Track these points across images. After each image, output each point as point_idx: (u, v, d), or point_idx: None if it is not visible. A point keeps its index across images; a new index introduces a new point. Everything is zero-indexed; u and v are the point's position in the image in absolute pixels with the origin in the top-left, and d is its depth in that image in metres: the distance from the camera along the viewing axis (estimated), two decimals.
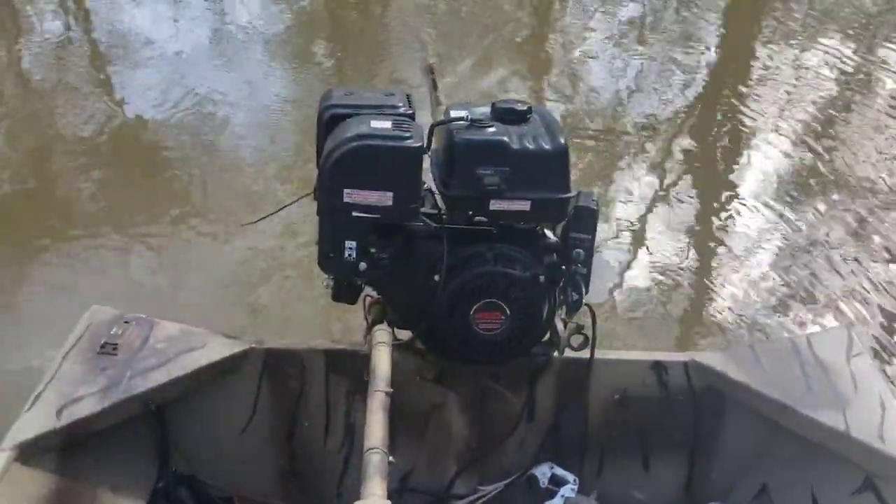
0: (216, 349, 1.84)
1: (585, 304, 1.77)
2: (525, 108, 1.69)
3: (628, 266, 3.53)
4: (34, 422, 1.61)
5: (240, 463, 1.91)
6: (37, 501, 1.55)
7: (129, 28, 5.42)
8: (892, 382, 2.20)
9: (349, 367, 1.85)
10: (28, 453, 1.57)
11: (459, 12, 5.91)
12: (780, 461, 1.84)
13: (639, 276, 3.46)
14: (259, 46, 5.30)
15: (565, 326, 1.82)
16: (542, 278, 1.70)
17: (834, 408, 1.74)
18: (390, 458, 1.36)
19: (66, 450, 1.63)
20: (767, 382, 1.82)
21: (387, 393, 1.48)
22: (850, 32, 5.85)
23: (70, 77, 4.79)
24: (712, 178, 4.27)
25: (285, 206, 1.80)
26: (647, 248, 3.68)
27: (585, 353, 1.84)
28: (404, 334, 1.86)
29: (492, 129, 1.64)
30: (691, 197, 4.09)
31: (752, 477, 1.88)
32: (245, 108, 4.55)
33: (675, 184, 4.18)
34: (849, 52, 5.53)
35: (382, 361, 1.57)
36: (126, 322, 1.86)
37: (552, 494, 1.89)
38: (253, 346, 1.87)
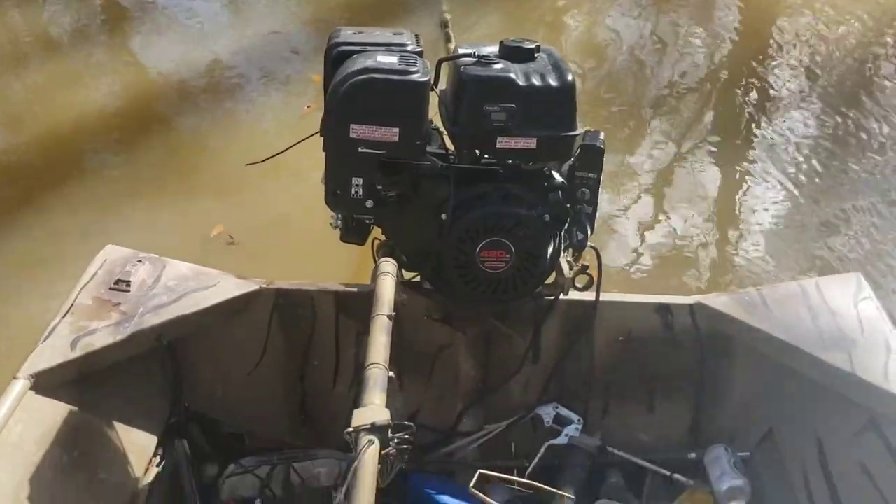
0: (227, 289, 1.87)
1: (591, 246, 1.77)
2: (533, 45, 1.69)
3: None
4: (49, 353, 1.65)
5: (251, 401, 1.94)
6: (51, 430, 1.59)
7: None
8: None
9: (358, 308, 1.86)
10: (43, 383, 1.61)
11: None
12: (786, 404, 1.85)
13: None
14: None
15: (571, 268, 1.83)
16: (547, 217, 1.71)
17: (840, 349, 1.74)
18: (391, 374, 1.37)
19: (80, 382, 1.67)
20: (774, 324, 1.82)
21: (389, 316, 1.49)
22: None
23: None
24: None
25: (294, 145, 1.80)
26: None
27: (591, 295, 1.85)
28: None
29: (499, 66, 1.64)
30: None
31: (757, 420, 1.89)
32: None
33: None
34: None
35: (386, 289, 1.58)
36: (139, 261, 1.89)
37: (556, 434, 1.92)
38: (263, 286, 1.89)
